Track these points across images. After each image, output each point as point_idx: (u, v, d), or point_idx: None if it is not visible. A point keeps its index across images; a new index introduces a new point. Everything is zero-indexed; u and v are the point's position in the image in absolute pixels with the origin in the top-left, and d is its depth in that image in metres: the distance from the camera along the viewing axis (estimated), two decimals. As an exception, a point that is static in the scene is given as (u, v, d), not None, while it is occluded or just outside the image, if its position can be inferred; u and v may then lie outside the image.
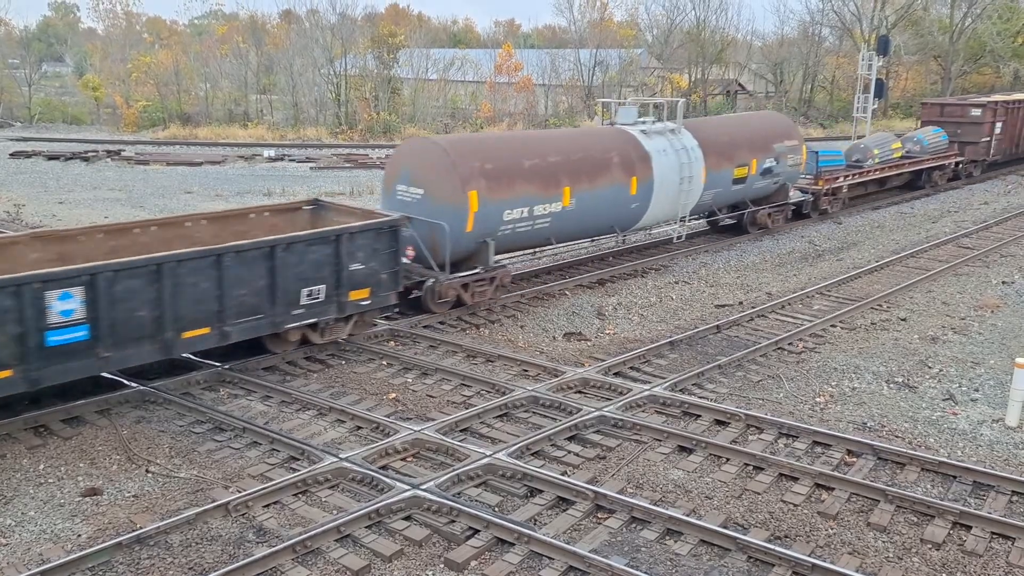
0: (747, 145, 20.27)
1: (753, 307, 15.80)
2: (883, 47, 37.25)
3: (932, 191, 29.41)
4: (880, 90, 36.18)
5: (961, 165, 30.93)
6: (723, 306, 16.08)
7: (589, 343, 14.00)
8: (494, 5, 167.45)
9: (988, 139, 31.57)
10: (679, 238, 19.43)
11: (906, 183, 29.30)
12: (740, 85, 63.94)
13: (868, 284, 17.67)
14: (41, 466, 9.51)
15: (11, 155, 39.10)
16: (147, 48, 67.83)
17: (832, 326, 14.89)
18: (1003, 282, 17.97)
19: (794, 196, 23.29)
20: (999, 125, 31.95)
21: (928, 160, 29.05)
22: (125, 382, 11.60)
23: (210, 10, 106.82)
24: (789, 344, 13.87)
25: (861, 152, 26.26)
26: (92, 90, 59.32)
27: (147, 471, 9.45)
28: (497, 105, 54.81)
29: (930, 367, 12.98)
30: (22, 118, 57.30)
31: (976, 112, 31.08)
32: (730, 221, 21.67)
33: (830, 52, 59.65)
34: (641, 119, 18.64)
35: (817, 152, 23.87)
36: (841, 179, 24.70)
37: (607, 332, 14.56)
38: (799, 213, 23.68)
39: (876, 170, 26.42)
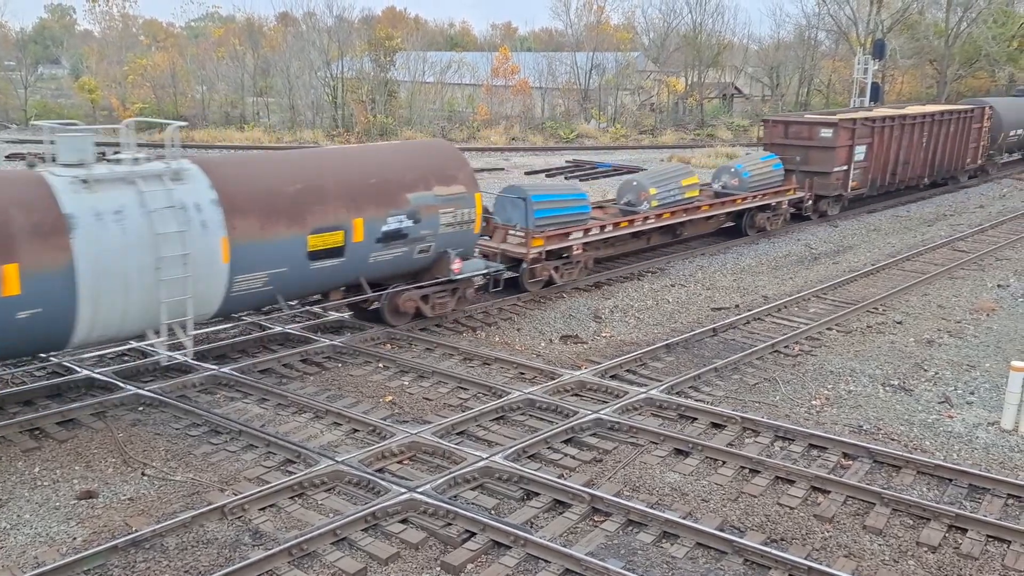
0: (340, 196, 12.33)
1: (749, 310, 15.82)
2: (879, 51, 37.42)
3: (759, 238, 22.19)
4: (876, 94, 36.32)
5: (807, 203, 23.55)
6: (719, 309, 16.10)
7: (585, 346, 14.01)
8: (491, 8, 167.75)
9: (844, 168, 24.07)
10: (178, 355, 11.67)
11: (723, 228, 21.92)
12: (736, 88, 64.13)
13: (864, 287, 17.71)
14: (36, 469, 9.49)
15: (7, 157, 38.99)
16: (143, 50, 67.83)
17: (828, 329, 14.92)
18: (998, 285, 18.02)
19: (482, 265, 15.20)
20: (861, 149, 24.59)
21: (746, 199, 21.33)
22: (121, 384, 11.58)
23: (206, 13, 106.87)
24: (785, 347, 13.89)
25: (634, 192, 18.82)
26: (88, 92, 59.22)
27: (143, 474, 9.43)
28: (494, 108, 54.86)
29: (926, 370, 13.00)
30: (18, 120, 57.23)
31: (826, 133, 23.55)
32: (377, 305, 14.37)
33: (826, 56, 59.85)
34: (125, 153, 10.94)
35: (526, 198, 15.94)
36: (578, 234, 16.79)
37: (603, 335, 14.57)
38: (515, 284, 16.13)
39: (650, 217, 18.63)
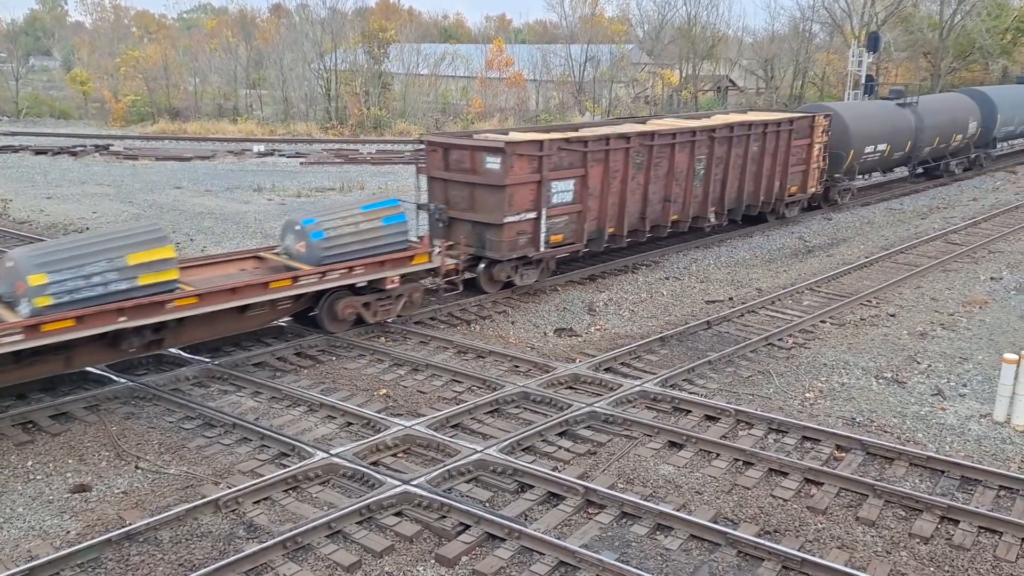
0: None
1: (743, 303, 15.85)
2: (873, 44, 37.41)
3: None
4: (870, 87, 36.36)
5: (444, 275, 14.59)
6: (713, 302, 16.12)
7: (580, 339, 14.02)
8: (485, 0, 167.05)
9: (530, 216, 15.48)
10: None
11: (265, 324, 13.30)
12: (731, 81, 64.09)
13: (857, 280, 17.74)
14: (29, 462, 9.46)
15: (-2, 150, 38.83)
16: (135, 42, 67.57)
17: (822, 322, 14.95)
18: (991, 278, 18.07)
19: None
20: (564, 186, 15.97)
21: (298, 279, 12.55)
22: (114, 378, 11.55)
23: (199, 4, 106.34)
24: (779, 340, 13.91)
25: (7, 280, 10.61)
26: (80, 84, 59.01)
27: (136, 467, 9.41)
28: (488, 100, 54.78)
29: (919, 363, 13.05)
30: (9, 112, 56.96)
31: (492, 163, 15.09)
32: None
33: (820, 48, 59.84)
34: None
35: None
36: None
37: (598, 328, 14.58)
38: None
39: (16, 331, 9.87)
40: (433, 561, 7.80)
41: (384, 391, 11.61)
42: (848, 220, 24.12)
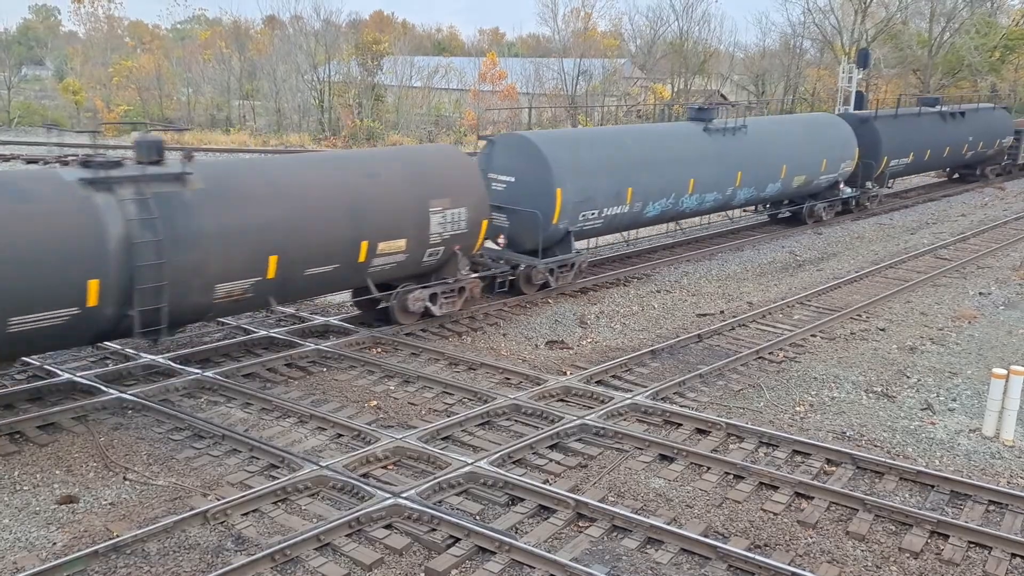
0: None
1: (734, 316, 15.88)
2: (863, 60, 37.63)
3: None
4: (860, 102, 36.62)
5: None
6: (704, 315, 16.16)
7: (571, 351, 14.02)
8: (479, 13, 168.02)
9: None
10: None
11: None
12: (722, 96, 64.47)
13: (848, 294, 17.81)
14: (16, 473, 9.38)
15: (-11, 158, 38.68)
16: (129, 52, 67.57)
17: (812, 336, 15.00)
18: (980, 293, 18.17)
19: None
20: None
21: None
22: (103, 388, 11.48)
23: (193, 15, 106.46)
24: (770, 353, 13.95)
25: None
26: (72, 94, 58.90)
27: (124, 479, 9.35)
28: (481, 113, 54.91)
29: (908, 377, 13.09)
30: (1, 122, 56.79)
31: None
32: None
33: (811, 64, 60.32)
34: None
35: None
36: None
37: (589, 340, 14.58)
38: None
39: None
40: (423, 574, 7.76)
41: (375, 403, 11.58)
42: (838, 235, 24.24)
